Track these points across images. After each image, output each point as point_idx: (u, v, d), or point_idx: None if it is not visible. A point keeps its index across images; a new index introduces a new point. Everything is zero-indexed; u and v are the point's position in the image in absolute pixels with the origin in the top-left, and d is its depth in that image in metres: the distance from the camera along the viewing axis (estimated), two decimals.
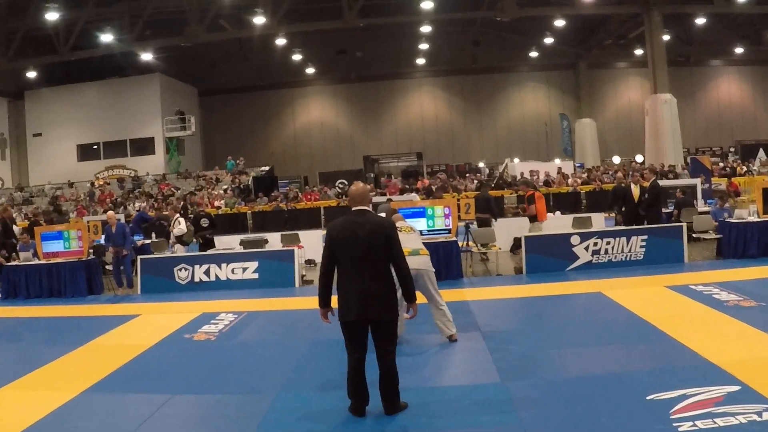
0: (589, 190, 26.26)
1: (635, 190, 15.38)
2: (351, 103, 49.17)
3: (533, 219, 16.26)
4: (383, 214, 9.13)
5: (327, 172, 42.16)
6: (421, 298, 7.27)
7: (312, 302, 6.65)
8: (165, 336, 10.25)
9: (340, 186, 33.02)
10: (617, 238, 14.21)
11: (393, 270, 6.19)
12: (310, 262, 17.20)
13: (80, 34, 34.90)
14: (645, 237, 14.21)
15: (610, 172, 32.08)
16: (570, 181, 30.55)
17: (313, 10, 36.62)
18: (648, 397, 6.10)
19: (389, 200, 19.07)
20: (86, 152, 44.22)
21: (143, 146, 43.77)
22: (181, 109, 43.11)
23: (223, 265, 14.98)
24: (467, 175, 37.37)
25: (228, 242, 18.19)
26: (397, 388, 6.19)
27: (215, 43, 39.86)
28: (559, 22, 38.96)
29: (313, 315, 6.76)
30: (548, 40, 43.37)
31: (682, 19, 41.02)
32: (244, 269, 14.92)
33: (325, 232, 6.47)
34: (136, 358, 9.00)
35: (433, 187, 27.70)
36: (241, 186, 34.75)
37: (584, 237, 14.19)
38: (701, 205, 19.60)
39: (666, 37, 37.82)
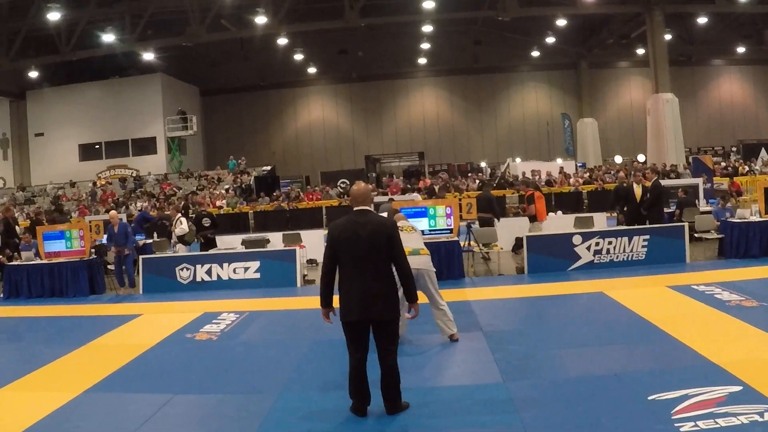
0: (591, 190, 26.19)
1: (637, 190, 15.37)
2: (352, 103, 49.15)
3: (533, 219, 16.27)
4: (385, 214, 9.14)
5: (329, 172, 42.11)
6: (422, 297, 7.28)
7: (314, 302, 6.66)
8: (167, 336, 10.27)
9: (342, 186, 32.98)
10: (619, 238, 14.21)
11: (394, 270, 6.20)
12: (311, 261, 17.21)
13: (82, 34, 34.88)
14: (647, 237, 14.21)
15: (612, 172, 32.01)
16: (572, 180, 30.50)
17: (314, 10, 36.62)
18: (649, 398, 6.10)
19: (391, 200, 19.07)
20: (88, 152, 44.23)
21: (145, 146, 43.77)
22: (183, 108, 43.05)
23: (225, 265, 14.99)
24: (469, 174, 37.31)
25: (230, 242, 18.19)
26: (399, 388, 6.20)
27: (217, 43, 39.83)
28: (561, 22, 38.88)
29: (315, 315, 6.76)
30: (550, 40, 43.33)
31: (684, 19, 40.98)
32: (246, 269, 14.94)
33: (326, 231, 6.47)
34: (138, 358, 9.01)
35: (436, 187, 27.66)
36: (243, 186, 34.74)
37: (586, 237, 14.20)
38: (703, 205, 19.57)
39: (668, 37, 37.75)
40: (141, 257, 15.60)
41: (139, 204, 30.35)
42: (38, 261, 15.88)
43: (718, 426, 5.41)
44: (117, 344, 10.04)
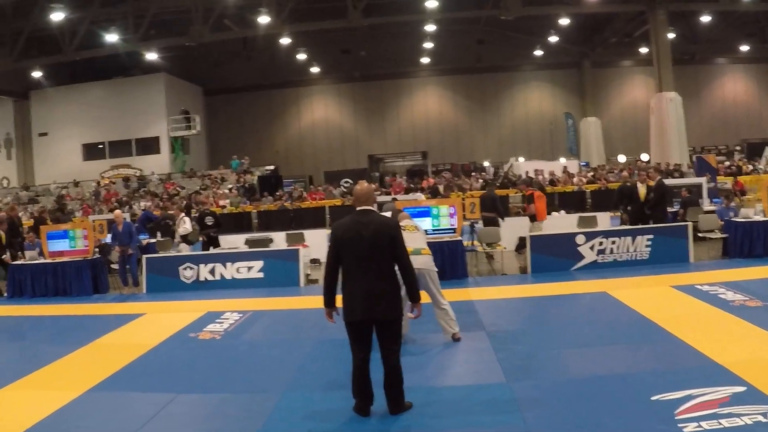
0: (595, 189, 26.15)
1: (642, 189, 15.32)
2: (355, 102, 49.11)
3: (533, 218, 16.26)
4: (389, 213, 9.15)
5: (332, 172, 42.09)
6: (425, 297, 7.27)
7: (317, 301, 6.65)
8: (170, 335, 10.29)
9: (345, 185, 32.97)
10: (622, 238, 14.20)
11: (397, 269, 6.20)
12: (315, 261, 17.21)
13: (85, 34, 34.90)
14: (650, 236, 14.19)
15: (616, 171, 31.98)
16: (575, 180, 30.46)
17: (317, 10, 36.59)
18: (653, 398, 6.09)
19: (394, 199, 19.07)
20: (91, 151, 44.25)
21: (148, 145, 43.76)
22: (186, 108, 43.10)
23: (228, 265, 15.02)
24: (473, 174, 37.27)
25: (233, 241, 18.22)
26: (402, 388, 6.20)
27: (220, 43, 39.86)
28: (564, 21, 38.83)
29: (318, 314, 6.76)
30: (553, 39, 43.23)
31: (687, 17, 40.87)
32: (249, 268, 14.97)
33: (330, 231, 6.47)
34: (141, 357, 9.03)
35: (440, 187, 27.64)
36: (246, 185, 34.72)
37: (589, 236, 14.19)
38: (707, 204, 19.55)
39: (671, 35, 37.70)
40: (144, 256, 15.63)
41: (142, 203, 30.37)
42: (42, 260, 15.92)
43: (721, 427, 5.40)
44: (120, 343, 10.05)
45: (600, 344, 8.37)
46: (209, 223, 17.47)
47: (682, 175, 27.24)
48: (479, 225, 16.49)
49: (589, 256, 14.11)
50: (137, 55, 38.62)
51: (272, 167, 40.75)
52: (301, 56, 44.46)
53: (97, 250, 16.52)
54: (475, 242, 15.69)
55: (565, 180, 30.56)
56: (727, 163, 33.55)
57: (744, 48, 45.39)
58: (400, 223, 8.03)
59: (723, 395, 6.01)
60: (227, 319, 11.25)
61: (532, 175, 30.66)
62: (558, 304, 11.32)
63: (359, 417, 6.17)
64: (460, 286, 13.06)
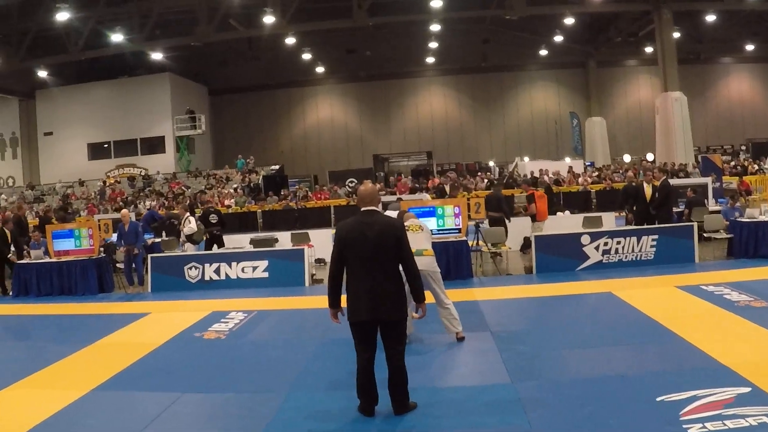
0: (600, 189, 26.10)
1: (648, 189, 15.29)
2: (360, 102, 49.14)
3: (535, 218, 16.24)
4: (395, 213, 9.15)
5: (337, 171, 42.14)
6: (429, 297, 7.27)
7: (322, 301, 6.66)
8: (175, 334, 10.30)
9: (350, 185, 32.99)
10: (627, 238, 14.17)
11: (402, 270, 6.20)
12: (320, 261, 17.22)
13: (90, 34, 35.01)
14: (655, 237, 14.16)
15: (621, 171, 31.92)
16: (580, 180, 30.41)
17: (322, 9, 36.60)
18: (658, 399, 6.08)
19: (399, 199, 19.06)
20: (97, 151, 44.41)
21: (154, 145, 43.92)
22: (191, 108, 43.17)
23: (233, 264, 15.04)
24: (478, 174, 37.24)
25: (238, 241, 18.23)
26: (407, 388, 6.20)
27: (225, 43, 39.94)
28: (569, 20, 38.76)
29: (323, 314, 6.77)
30: (558, 39, 43.16)
31: (693, 17, 40.76)
32: (254, 268, 14.98)
33: (334, 231, 6.47)
34: (146, 357, 9.04)
35: (446, 187, 27.60)
36: (251, 185, 34.78)
37: (594, 237, 14.16)
38: (712, 204, 19.51)
39: (676, 35, 37.62)
40: (150, 256, 15.65)
41: (147, 203, 30.43)
42: (47, 259, 15.96)
43: (726, 428, 5.39)
44: (125, 343, 10.06)
45: (605, 345, 8.36)
46: (213, 221, 17.50)
47: (687, 175, 27.18)
48: (484, 225, 16.47)
49: (594, 256, 14.08)
50: (142, 55, 38.72)
51: (277, 167, 40.84)
52: (306, 56, 44.49)
53: (102, 249, 16.56)
54: (480, 242, 15.68)
55: (570, 180, 30.50)
56: (733, 163, 33.51)
57: (749, 47, 45.32)
58: (405, 223, 8.05)
59: (728, 396, 5.99)
60: (232, 318, 11.26)
61: (537, 174, 30.65)
62: (563, 305, 11.30)
63: (364, 417, 6.17)
64: (464, 286, 13.05)
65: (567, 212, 20.96)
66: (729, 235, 14.97)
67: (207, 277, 14.96)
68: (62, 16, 32.31)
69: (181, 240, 17.36)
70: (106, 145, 44.41)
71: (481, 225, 16.04)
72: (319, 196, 30.87)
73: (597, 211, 20.95)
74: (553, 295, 12.00)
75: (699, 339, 7.96)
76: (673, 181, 19.43)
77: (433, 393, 6.75)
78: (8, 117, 45.29)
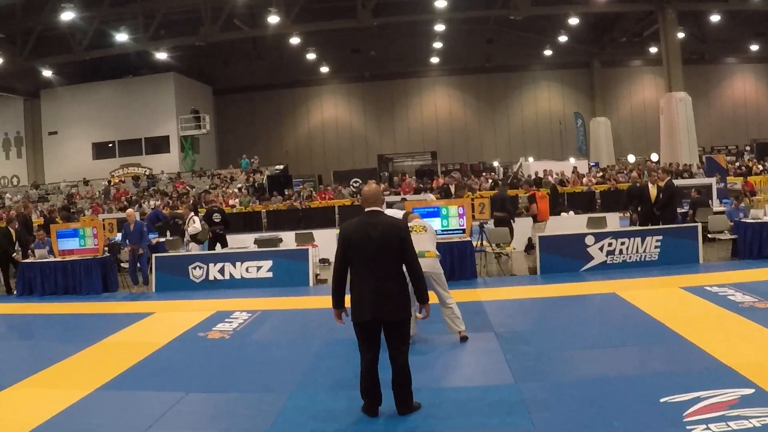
0: (604, 190, 26.08)
1: (653, 190, 15.25)
2: (365, 102, 49.16)
3: (536, 219, 16.23)
4: (400, 213, 9.16)
5: (341, 171, 42.15)
6: (433, 298, 7.27)
7: (326, 301, 6.66)
8: (179, 334, 10.32)
9: (355, 185, 33.00)
10: (632, 239, 14.15)
11: (405, 270, 6.21)
12: (324, 261, 17.23)
13: (95, 33, 35.09)
14: (660, 237, 14.14)
15: (625, 172, 31.88)
16: (585, 180, 30.40)
17: (326, 9, 36.61)
18: (661, 400, 6.07)
19: (403, 200, 19.06)
20: (101, 150, 44.48)
21: (158, 144, 43.97)
22: (196, 107, 43.24)
23: (238, 264, 15.06)
24: (483, 175, 37.22)
25: (242, 241, 18.25)
26: (410, 389, 6.20)
27: (229, 43, 40.01)
28: (573, 21, 38.76)
29: (327, 314, 6.77)
30: (562, 39, 43.11)
31: (697, 17, 40.74)
32: (259, 268, 14.99)
33: (339, 231, 6.48)
34: (150, 356, 9.06)
35: (451, 187, 27.59)
36: (256, 185, 34.81)
37: (599, 237, 14.14)
38: (716, 205, 19.47)
39: (680, 35, 37.57)
40: (154, 255, 15.68)
41: (152, 202, 30.47)
42: (52, 258, 15.99)
43: (729, 429, 5.38)
44: (129, 342, 10.08)
45: (609, 345, 8.35)
46: (216, 220, 17.52)
47: (691, 176, 27.15)
48: (488, 225, 16.47)
49: (598, 257, 14.07)
50: (147, 55, 38.78)
51: (282, 167, 40.86)
52: (311, 56, 44.49)
53: (106, 248, 16.59)
54: (485, 242, 15.67)
55: (574, 180, 30.49)
56: (737, 164, 33.45)
57: (754, 47, 45.26)
58: (409, 224, 8.05)
59: (731, 397, 5.98)
60: (236, 318, 11.27)
61: (541, 175, 30.66)
62: (567, 305, 11.29)
63: (367, 417, 6.17)
64: (469, 286, 13.05)
65: (571, 213, 20.94)
66: (733, 236, 14.96)
67: (211, 277, 14.97)
68: (67, 15, 32.41)
69: (185, 240, 17.39)
70: (110, 145, 44.49)
71: (485, 225, 16.04)
72: (323, 196, 30.89)
73: (601, 211, 20.94)
74: (557, 295, 11.99)
75: (703, 340, 7.95)
76: (678, 182, 19.40)
77: (437, 393, 6.75)
78: (13, 116, 45.41)
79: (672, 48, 35.34)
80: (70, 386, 7.77)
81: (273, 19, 34.08)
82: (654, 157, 39.54)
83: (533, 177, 29.96)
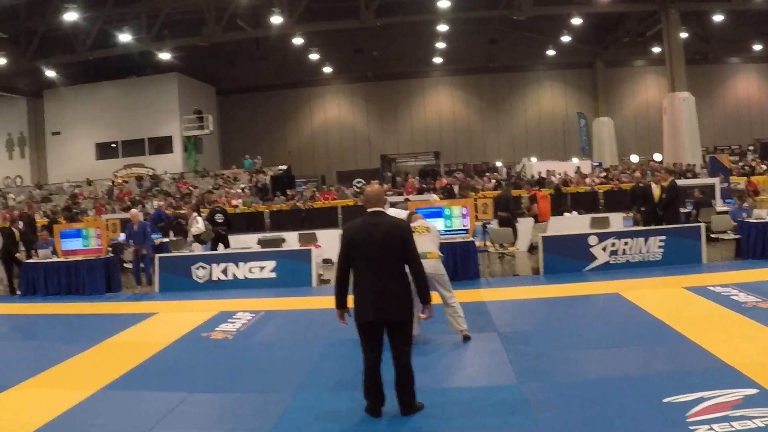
0: (607, 190, 26.07)
1: (656, 190, 15.23)
2: (368, 102, 49.13)
3: (537, 219, 16.23)
4: (404, 213, 9.17)
5: (344, 171, 42.21)
6: (436, 298, 7.28)
7: (329, 302, 6.65)
8: (182, 334, 10.32)
9: (358, 185, 33.01)
10: (635, 239, 14.15)
11: (408, 270, 6.21)
12: (327, 261, 17.23)
13: (98, 33, 35.09)
14: (663, 237, 14.13)
15: (628, 172, 31.85)
16: (588, 180, 30.38)
17: (329, 10, 36.58)
18: (665, 400, 6.06)
19: (406, 200, 19.06)
20: (105, 151, 44.52)
21: (161, 145, 43.99)
22: (199, 108, 43.29)
23: (241, 264, 15.06)
24: (486, 174, 37.22)
25: (245, 241, 18.26)
26: (413, 389, 6.19)
27: (232, 43, 40.07)
28: (577, 21, 38.70)
29: (330, 314, 6.77)
30: (565, 39, 43.05)
31: (700, 17, 40.66)
32: (262, 268, 15.00)
33: (341, 231, 6.48)
34: (154, 356, 9.06)
35: (454, 187, 27.58)
36: (259, 185, 34.84)
37: (602, 237, 14.14)
38: (720, 205, 19.46)
39: (684, 35, 37.51)
40: (157, 256, 15.68)
41: (155, 202, 30.49)
42: (55, 259, 16.00)
43: (733, 429, 5.37)
44: (133, 342, 10.09)
45: (612, 346, 8.35)
46: (219, 221, 17.52)
47: (695, 176, 27.14)
48: (491, 225, 16.47)
49: (601, 257, 14.06)
50: (150, 55, 38.81)
51: (285, 167, 40.87)
52: (314, 56, 44.48)
53: (110, 249, 16.60)
54: (488, 243, 15.67)
55: (577, 180, 30.48)
56: (741, 163, 33.41)
57: (757, 47, 45.14)
58: (412, 224, 8.05)
59: (735, 398, 5.97)
60: (239, 318, 11.28)
61: (544, 175, 30.65)
62: (570, 305, 11.29)
63: (370, 418, 6.17)
64: (472, 287, 13.05)
65: (574, 213, 20.95)
66: (736, 236, 14.94)
67: (214, 277, 14.98)
68: (70, 16, 32.42)
69: (188, 240, 17.40)
70: (113, 145, 44.53)
71: (488, 226, 16.03)
72: (326, 196, 30.90)
73: (604, 211, 20.96)
74: (561, 295, 11.99)
75: (706, 340, 7.95)
76: (681, 182, 19.38)
77: (440, 393, 6.76)
78: (16, 116, 45.47)
79: (675, 48, 35.28)
80: (73, 386, 7.78)
81: (276, 19, 34.08)
82: (657, 157, 39.48)
83: (536, 177, 29.95)
